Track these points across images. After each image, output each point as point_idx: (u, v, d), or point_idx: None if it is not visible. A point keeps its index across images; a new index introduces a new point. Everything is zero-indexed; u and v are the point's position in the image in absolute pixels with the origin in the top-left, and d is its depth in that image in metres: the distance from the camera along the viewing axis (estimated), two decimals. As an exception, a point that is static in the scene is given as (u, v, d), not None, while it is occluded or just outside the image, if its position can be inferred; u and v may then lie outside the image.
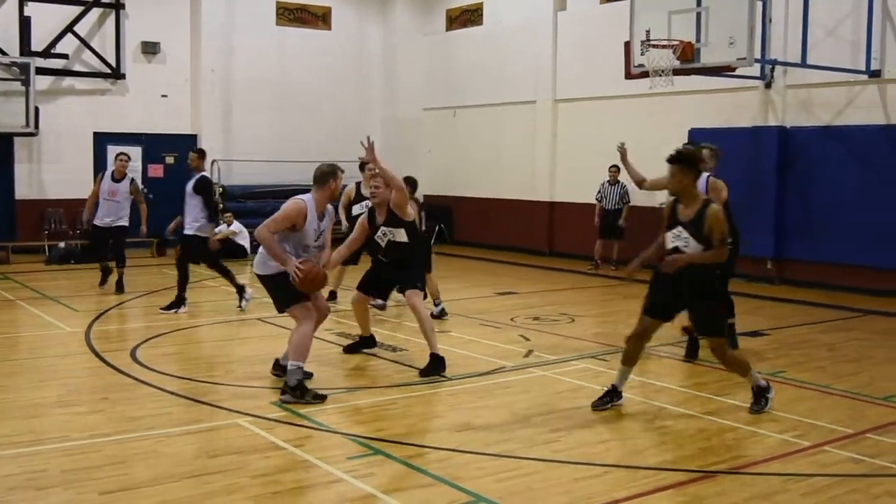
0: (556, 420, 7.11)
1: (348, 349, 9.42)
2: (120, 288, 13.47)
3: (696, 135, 16.20)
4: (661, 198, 15.04)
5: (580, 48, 18.63)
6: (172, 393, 7.78)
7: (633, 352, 7.42)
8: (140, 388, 8.00)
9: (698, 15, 13.35)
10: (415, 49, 22.67)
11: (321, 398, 7.47)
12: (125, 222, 13.79)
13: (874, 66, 13.77)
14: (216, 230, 18.49)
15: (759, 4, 12.89)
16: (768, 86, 15.23)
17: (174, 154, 20.17)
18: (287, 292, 7.57)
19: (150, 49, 19.72)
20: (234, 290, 12.25)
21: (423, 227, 10.84)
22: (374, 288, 9.11)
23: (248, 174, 20.53)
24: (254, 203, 20.07)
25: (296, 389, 7.42)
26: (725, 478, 5.87)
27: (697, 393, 8.00)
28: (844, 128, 14.35)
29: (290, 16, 21.61)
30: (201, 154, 12.45)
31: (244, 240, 18.37)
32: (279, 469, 5.90)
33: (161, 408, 7.34)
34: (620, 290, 13.58)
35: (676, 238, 7.24)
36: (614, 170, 16.82)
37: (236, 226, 18.36)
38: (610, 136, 17.70)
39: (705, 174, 8.96)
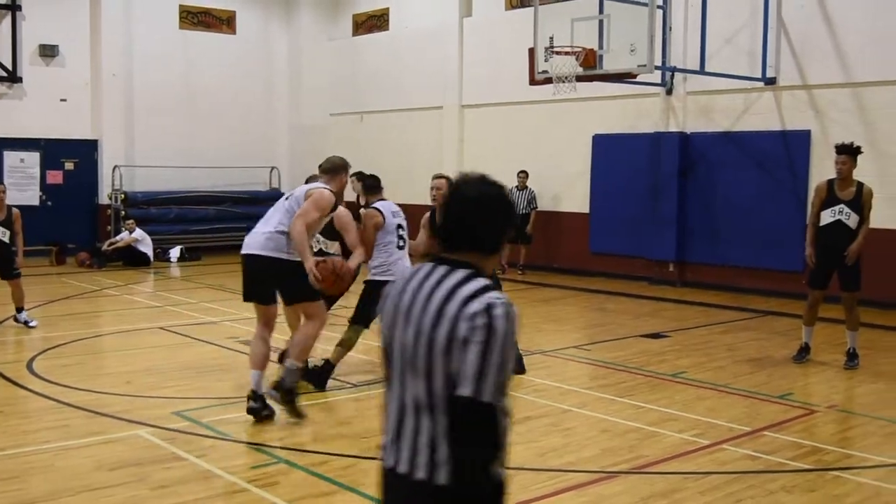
0: (461, 424, 7.12)
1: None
2: None
3: (599, 140, 16.51)
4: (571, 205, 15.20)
5: (486, 54, 18.75)
6: (70, 405, 7.59)
7: (812, 316, 9.44)
8: (36, 400, 7.79)
9: (600, 23, 13.58)
10: (321, 54, 22.53)
11: (301, 416, 7.09)
12: None
13: (770, 73, 14.17)
14: (117, 238, 18.25)
15: (660, 13, 13.15)
16: (669, 92, 15.54)
17: (74, 160, 19.71)
18: (307, 284, 7.09)
19: (48, 52, 19.20)
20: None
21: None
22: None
23: (152, 180, 20.16)
24: (157, 210, 19.73)
25: (289, 392, 7.07)
26: (627, 477, 5.97)
27: (601, 395, 8.11)
28: (742, 133, 14.73)
29: (194, 19, 21.29)
30: None
31: (147, 247, 18.03)
32: (180, 480, 5.80)
33: (58, 420, 7.15)
34: (527, 294, 13.72)
35: (838, 213, 9.07)
36: (522, 175, 16.96)
37: (138, 233, 18.01)
38: (516, 141, 17.95)
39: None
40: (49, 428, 6.92)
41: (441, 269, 2.74)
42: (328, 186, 7.34)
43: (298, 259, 6.98)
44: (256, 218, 7.79)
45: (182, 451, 6.34)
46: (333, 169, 7.49)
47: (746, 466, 6.20)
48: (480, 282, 2.66)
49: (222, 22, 21.75)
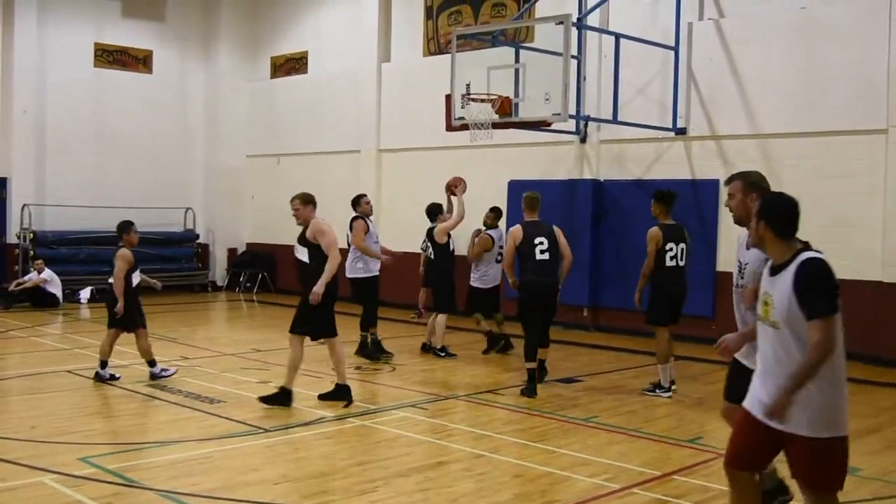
0: (374, 469, 7.10)
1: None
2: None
3: (514, 186, 16.69)
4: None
5: (404, 99, 18.89)
6: (-30, 451, 7.36)
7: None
8: (-65, 446, 7.53)
9: (516, 71, 13.79)
10: (238, 95, 22.45)
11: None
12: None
13: (680, 124, 14.55)
14: (25, 278, 17.81)
15: (574, 63, 13.41)
16: (583, 140, 15.83)
17: (-18, 198, 19.24)
18: None
19: (-44, 88, 18.79)
20: None
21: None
22: None
23: (63, 219, 19.73)
24: (67, 249, 19.31)
25: None
26: (538, 523, 6.00)
27: (514, 439, 8.15)
28: (654, 181, 15.00)
29: (109, 58, 21.02)
30: None
31: (56, 288, 17.63)
32: (85, 529, 5.66)
33: (-43, 467, 6.92)
34: (447, 339, 13.67)
35: None
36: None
37: (47, 273, 17.61)
38: (433, 186, 18.00)
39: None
40: (-53, 475, 6.70)
41: None
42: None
43: None
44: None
45: (88, 499, 6.18)
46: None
47: (655, 510, 6.29)
48: None
49: (139, 61, 21.51)
